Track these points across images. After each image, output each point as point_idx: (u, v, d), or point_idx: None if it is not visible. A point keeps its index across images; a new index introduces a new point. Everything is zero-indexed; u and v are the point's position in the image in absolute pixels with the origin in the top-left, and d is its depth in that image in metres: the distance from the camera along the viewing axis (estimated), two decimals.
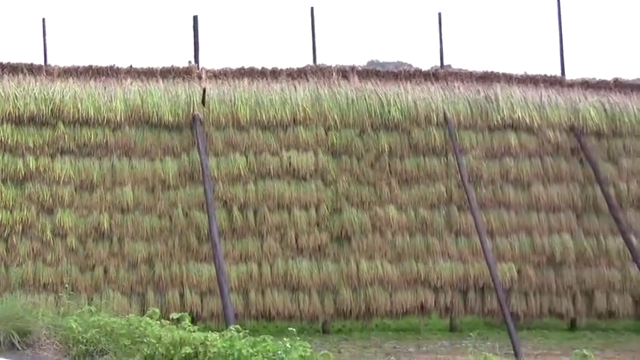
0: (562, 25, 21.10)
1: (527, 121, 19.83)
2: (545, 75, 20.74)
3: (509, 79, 20.50)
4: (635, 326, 19.78)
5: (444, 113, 19.42)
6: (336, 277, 18.82)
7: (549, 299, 19.68)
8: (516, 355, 15.35)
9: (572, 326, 19.85)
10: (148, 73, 19.31)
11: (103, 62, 19.44)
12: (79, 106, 18.37)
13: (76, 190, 18.22)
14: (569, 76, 20.96)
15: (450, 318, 19.53)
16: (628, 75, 27.87)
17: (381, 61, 40.56)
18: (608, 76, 21.36)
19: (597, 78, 21.22)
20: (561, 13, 21.07)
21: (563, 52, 21.05)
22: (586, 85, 20.82)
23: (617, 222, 19.08)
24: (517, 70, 20.85)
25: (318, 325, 18.98)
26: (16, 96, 18.33)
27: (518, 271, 19.43)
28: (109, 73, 19.19)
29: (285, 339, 10.62)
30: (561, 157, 20.08)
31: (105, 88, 18.86)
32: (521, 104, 20.05)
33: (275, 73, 19.68)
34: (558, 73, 20.86)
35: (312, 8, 20.00)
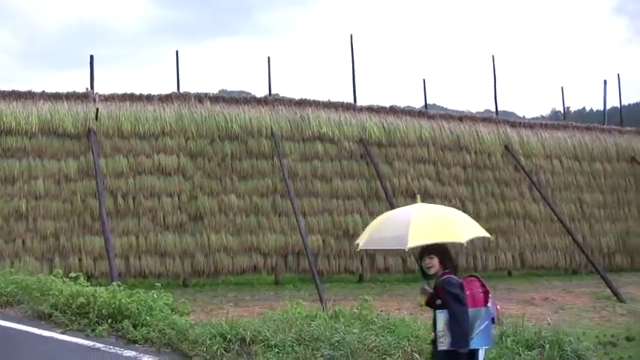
0: (355, 66, 23.19)
1: (330, 134, 21.79)
2: (342, 102, 22.78)
3: (317, 104, 22.38)
4: (404, 278, 21.93)
5: (271, 128, 21.16)
6: (192, 246, 20.17)
7: (345, 261, 21.48)
8: (321, 300, 15.93)
9: (361, 279, 21.83)
10: (56, 96, 20.41)
11: (23, 87, 20.81)
12: (4, 120, 19.52)
13: (1, 182, 19.32)
14: (359, 102, 23.13)
15: (275, 275, 21.22)
16: (401, 103, 29.80)
17: (228, 89, 42.63)
18: (387, 104, 23.56)
19: (379, 105, 23.18)
20: (354, 58, 23.21)
21: (355, 85, 23.18)
22: (371, 109, 22.85)
23: (392, 206, 19.64)
24: (323, 98, 22.72)
25: (179, 281, 20.23)
26: None
27: (323, 241, 21.18)
28: (27, 95, 20.30)
29: (153, 291, 11.49)
30: (353, 161, 21.98)
31: (24, 106, 19.97)
32: (325, 122, 21.87)
33: (149, 98, 20.96)
34: (351, 101, 23.00)
35: (177, 51, 21.72)
